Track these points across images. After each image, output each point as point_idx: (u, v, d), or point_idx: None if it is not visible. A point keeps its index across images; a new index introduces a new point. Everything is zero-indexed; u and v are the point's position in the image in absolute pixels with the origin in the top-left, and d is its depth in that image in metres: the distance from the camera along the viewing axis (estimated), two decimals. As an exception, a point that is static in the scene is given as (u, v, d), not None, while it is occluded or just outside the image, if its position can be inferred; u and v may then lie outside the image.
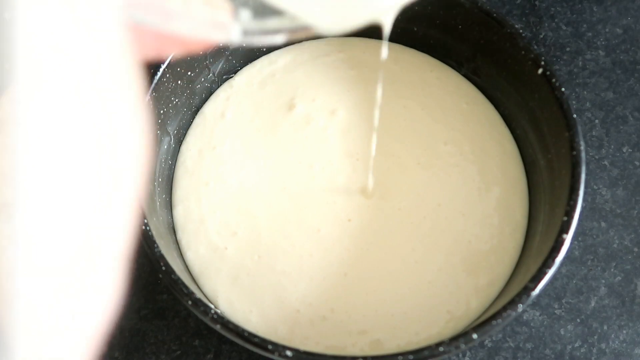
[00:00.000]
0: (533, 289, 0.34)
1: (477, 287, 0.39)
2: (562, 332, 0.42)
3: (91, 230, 0.17)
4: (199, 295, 0.35)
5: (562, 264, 0.41)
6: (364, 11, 0.23)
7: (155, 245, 0.35)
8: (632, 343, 0.42)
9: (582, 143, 0.37)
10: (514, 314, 0.34)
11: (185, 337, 0.42)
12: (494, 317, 0.34)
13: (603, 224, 0.45)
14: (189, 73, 0.42)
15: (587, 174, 0.41)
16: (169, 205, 0.42)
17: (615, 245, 0.45)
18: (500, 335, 0.42)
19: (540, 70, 0.39)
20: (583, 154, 0.37)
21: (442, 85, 0.45)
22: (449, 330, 0.38)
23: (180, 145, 0.44)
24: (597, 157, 0.47)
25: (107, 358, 0.41)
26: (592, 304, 0.43)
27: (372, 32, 0.47)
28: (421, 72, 0.45)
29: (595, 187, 0.46)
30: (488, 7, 0.41)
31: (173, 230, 0.41)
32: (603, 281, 0.44)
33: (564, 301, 0.43)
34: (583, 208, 0.39)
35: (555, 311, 0.43)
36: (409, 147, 0.43)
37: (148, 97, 0.38)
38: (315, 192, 0.41)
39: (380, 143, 0.43)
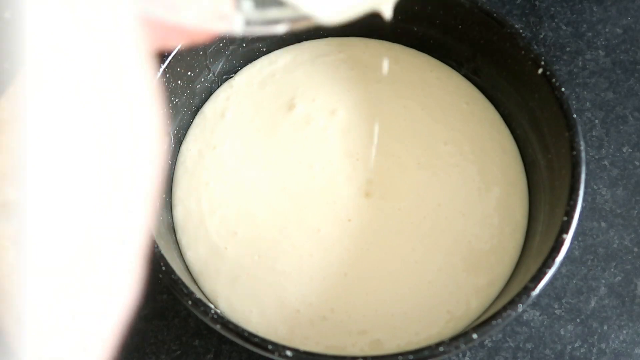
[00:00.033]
0: (533, 289, 0.34)
1: (477, 287, 0.39)
2: (562, 332, 0.42)
3: (106, 230, 0.17)
4: (199, 295, 0.35)
5: (562, 264, 0.41)
6: (363, 0, 0.23)
7: (156, 245, 0.35)
8: (632, 343, 0.42)
9: (582, 143, 0.37)
10: (514, 314, 0.34)
11: (185, 337, 0.42)
12: (494, 317, 0.34)
13: (603, 224, 0.45)
14: (189, 73, 0.42)
15: (587, 174, 0.41)
16: (169, 205, 0.42)
17: (615, 245, 0.45)
18: (500, 335, 0.42)
19: (540, 70, 0.39)
20: (583, 154, 0.37)
21: (442, 85, 0.45)
22: (449, 330, 0.38)
23: (180, 145, 0.44)
24: (597, 157, 0.47)
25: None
26: (592, 304, 0.43)
27: (372, 32, 0.47)
28: (421, 72, 0.45)
29: (595, 187, 0.46)
30: (488, 7, 0.41)
31: (173, 230, 0.41)
32: (603, 281, 0.44)
33: (564, 301, 0.43)
34: (583, 208, 0.39)
35: (555, 311, 0.43)
36: (409, 147, 0.43)
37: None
38: (315, 192, 0.41)
39: (380, 143, 0.43)
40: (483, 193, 0.42)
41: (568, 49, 0.50)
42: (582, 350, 0.42)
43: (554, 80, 0.39)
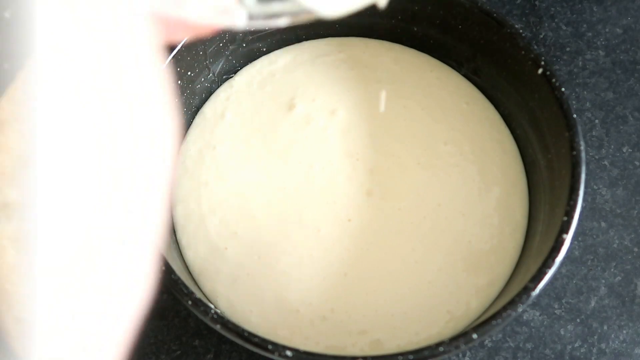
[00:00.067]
0: (533, 289, 0.34)
1: (477, 287, 0.39)
2: (562, 332, 0.42)
3: (116, 230, 0.17)
4: (199, 295, 0.35)
5: (562, 264, 0.41)
6: None
7: (155, 245, 0.35)
8: (632, 343, 0.42)
9: (582, 143, 0.37)
10: (514, 314, 0.34)
11: (185, 337, 0.42)
12: (494, 317, 0.34)
13: (603, 224, 0.45)
14: (189, 73, 0.42)
15: (587, 174, 0.41)
16: (169, 205, 0.42)
17: (615, 245, 0.45)
18: (500, 335, 0.42)
19: (540, 70, 0.39)
20: (583, 154, 0.37)
21: (442, 85, 0.45)
22: (449, 330, 0.38)
23: (180, 145, 0.44)
24: (597, 157, 0.47)
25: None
26: (592, 304, 0.43)
27: (372, 32, 0.47)
28: (421, 72, 0.45)
29: (595, 187, 0.46)
30: (488, 7, 0.41)
31: (173, 230, 0.41)
32: (603, 281, 0.44)
33: (564, 301, 0.43)
34: (583, 208, 0.39)
35: (555, 311, 0.43)
36: (409, 147, 0.43)
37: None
38: (315, 192, 0.41)
39: (380, 143, 0.43)
40: (483, 193, 0.42)
41: (568, 49, 0.50)
42: (582, 350, 0.42)
43: (554, 80, 0.39)
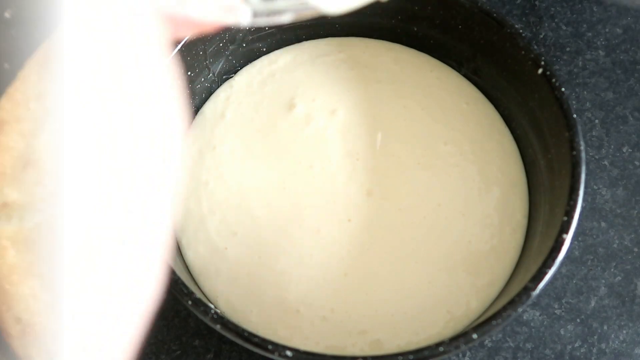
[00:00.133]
0: (533, 289, 0.34)
1: (477, 287, 0.39)
2: (562, 332, 0.42)
3: (124, 231, 0.17)
4: (199, 295, 0.35)
5: (562, 264, 0.41)
6: None
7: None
8: (632, 343, 0.42)
9: (582, 143, 0.37)
10: (514, 314, 0.34)
11: (185, 337, 0.42)
12: (494, 317, 0.34)
13: (603, 224, 0.45)
14: (189, 73, 0.42)
15: (587, 174, 0.41)
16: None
17: (615, 245, 0.45)
18: (500, 335, 0.42)
19: (540, 70, 0.39)
20: (583, 154, 0.37)
21: (442, 85, 0.45)
22: (449, 330, 0.38)
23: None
24: (597, 157, 0.47)
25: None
26: (592, 304, 0.43)
27: (372, 32, 0.47)
28: (421, 72, 0.45)
29: (595, 187, 0.46)
30: (488, 7, 0.41)
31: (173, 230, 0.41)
32: (603, 281, 0.44)
33: (564, 301, 0.43)
34: (583, 208, 0.39)
35: (555, 311, 0.43)
36: (409, 147, 0.43)
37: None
38: (315, 192, 0.41)
39: (380, 143, 0.43)
40: (483, 193, 0.42)
41: (568, 49, 0.50)
42: (582, 350, 0.42)
43: (554, 80, 0.39)
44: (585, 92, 0.49)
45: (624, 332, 0.43)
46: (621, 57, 0.50)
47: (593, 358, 0.42)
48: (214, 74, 0.44)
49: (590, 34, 0.51)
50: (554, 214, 0.37)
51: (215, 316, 0.34)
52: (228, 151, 0.43)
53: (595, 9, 0.52)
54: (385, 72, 0.45)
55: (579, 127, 0.38)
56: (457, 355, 0.42)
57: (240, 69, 0.46)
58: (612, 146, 0.47)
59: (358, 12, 0.27)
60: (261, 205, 0.41)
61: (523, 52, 0.40)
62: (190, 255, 0.41)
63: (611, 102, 0.48)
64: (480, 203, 0.41)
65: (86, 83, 0.16)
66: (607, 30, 0.51)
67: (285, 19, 0.23)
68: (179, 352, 0.42)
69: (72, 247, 0.16)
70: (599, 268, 0.44)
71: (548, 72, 0.39)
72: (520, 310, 0.34)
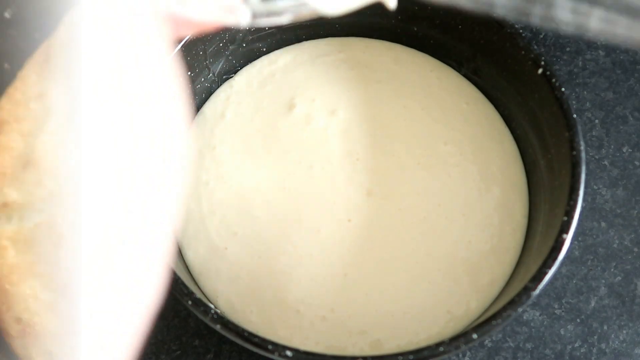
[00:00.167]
0: (533, 289, 0.34)
1: (477, 287, 0.39)
2: (562, 332, 0.43)
3: (130, 231, 0.17)
4: (199, 295, 0.35)
5: (562, 264, 0.41)
6: None
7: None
8: (632, 343, 0.42)
9: (582, 143, 0.37)
10: (514, 314, 0.34)
11: (185, 337, 0.42)
12: (494, 317, 0.34)
13: (603, 224, 0.45)
14: (189, 73, 0.42)
15: (587, 174, 0.41)
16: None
17: (615, 245, 0.45)
18: (500, 335, 0.42)
19: (540, 70, 0.39)
20: (583, 154, 0.37)
21: (442, 85, 0.45)
22: (449, 330, 0.38)
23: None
24: (597, 157, 0.47)
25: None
26: (592, 304, 0.43)
27: (372, 32, 0.47)
28: (421, 72, 0.45)
29: (595, 187, 0.46)
30: (488, 7, 0.41)
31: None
32: (603, 281, 0.44)
33: (564, 301, 0.43)
34: (583, 208, 0.39)
35: (555, 311, 0.43)
36: (409, 147, 0.43)
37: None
38: (315, 192, 0.41)
39: (380, 143, 0.43)
40: (483, 193, 0.42)
41: (568, 49, 0.50)
42: (582, 350, 0.42)
43: (554, 80, 0.39)
44: (585, 92, 0.49)
45: (624, 332, 0.43)
46: (621, 57, 0.50)
47: (593, 358, 0.42)
48: (214, 74, 0.44)
49: (590, 34, 0.51)
50: (554, 214, 0.37)
51: (215, 316, 0.34)
52: (228, 151, 0.43)
53: (595, 9, 0.51)
54: (385, 72, 0.45)
55: (579, 127, 0.38)
56: (457, 355, 0.42)
57: (240, 69, 0.46)
58: (612, 146, 0.47)
59: (358, 12, 0.27)
60: (261, 205, 0.41)
61: (523, 52, 0.40)
62: (190, 255, 0.41)
63: (611, 102, 0.48)
64: (480, 203, 0.41)
65: (87, 83, 0.16)
66: (607, 30, 0.51)
67: (285, 19, 0.23)
68: (179, 352, 0.42)
69: (73, 247, 0.17)
70: (599, 268, 0.44)
71: (548, 72, 0.39)
72: (520, 310, 0.34)
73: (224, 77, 0.45)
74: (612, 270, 0.44)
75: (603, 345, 0.42)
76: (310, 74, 0.45)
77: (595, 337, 0.42)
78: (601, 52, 0.50)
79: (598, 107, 0.48)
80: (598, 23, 0.22)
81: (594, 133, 0.48)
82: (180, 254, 0.41)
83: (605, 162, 0.47)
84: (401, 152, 0.43)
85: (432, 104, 0.44)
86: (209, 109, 0.45)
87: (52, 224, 0.19)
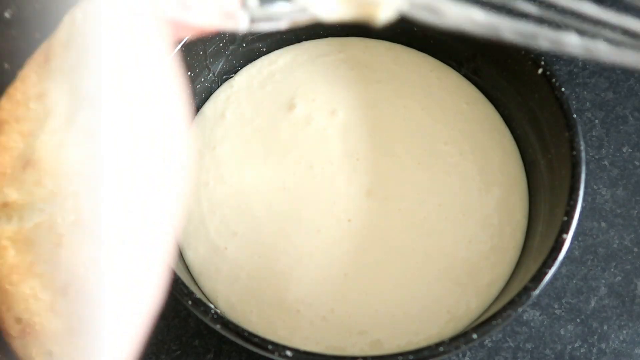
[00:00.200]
0: (533, 289, 0.34)
1: (477, 287, 0.39)
2: (562, 332, 0.43)
3: (133, 232, 0.17)
4: (199, 295, 0.35)
5: (562, 264, 0.41)
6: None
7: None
8: (632, 343, 0.42)
9: (582, 143, 0.37)
10: (514, 314, 0.34)
11: (185, 337, 0.42)
12: (494, 317, 0.34)
13: (603, 224, 0.45)
14: (189, 73, 0.42)
15: (587, 174, 0.41)
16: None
17: (615, 245, 0.45)
18: (500, 335, 0.42)
19: (540, 70, 0.39)
20: (583, 154, 0.37)
21: (442, 85, 0.45)
22: (449, 330, 0.38)
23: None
24: (597, 157, 0.47)
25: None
26: (592, 304, 0.43)
27: (372, 32, 0.47)
28: (421, 72, 0.45)
29: (595, 187, 0.46)
30: (488, 7, 0.41)
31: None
32: (603, 281, 0.44)
33: (564, 301, 0.43)
34: (583, 208, 0.39)
35: (555, 311, 0.43)
36: (409, 147, 0.43)
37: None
38: (315, 192, 0.41)
39: (380, 143, 0.43)
40: (483, 193, 0.42)
41: (568, 49, 0.50)
42: (582, 350, 0.42)
43: (554, 80, 0.39)
44: (585, 92, 0.49)
45: (624, 332, 0.43)
46: (621, 57, 0.50)
47: (593, 358, 0.42)
48: (214, 74, 0.44)
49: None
50: (554, 214, 0.37)
51: (215, 316, 0.34)
52: (228, 151, 0.43)
53: (595, 9, 0.51)
54: (385, 72, 0.45)
55: (579, 127, 0.38)
56: (457, 355, 0.42)
57: (240, 69, 0.46)
58: (612, 146, 0.47)
59: (358, 12, 0.27)
60: (261, 205, 0.41)
61: (523, 52, 0.40)
62: (190, 255, 0.41)
63: (611, 102, 0.49)
64: (480, 203, 0.41)
65: (88, 83, 0.16)
66: (607, 30, 0.51)
67: (283, 24, 0.23)
68: (179, 352, 0.42)
69: (73, 246, 0.17)
70: (599, 268, 0.44)
71: (548, 72, 0.39)
72: (520, 310, 0.34)
73: (224, 77, 0.45)
74: (612, 270, 0.44)
75: (603, 345, 0.42)
76: (310, 74, 0.45)
77: (595, 337, 0.42)
78: (601, 52, 0.50)
79: (598, 107, 0.48)
80: (606, 47, 0.22)
81: (594, 133, 0.48)
82: (180, 254, 0.41)
83: (605, 162, 0.47)
84: (401, 152, 0.43)
85: (432, 104, 0.44)
86: (209, 109, 0.45)
87: (52, 224, 0.19)
